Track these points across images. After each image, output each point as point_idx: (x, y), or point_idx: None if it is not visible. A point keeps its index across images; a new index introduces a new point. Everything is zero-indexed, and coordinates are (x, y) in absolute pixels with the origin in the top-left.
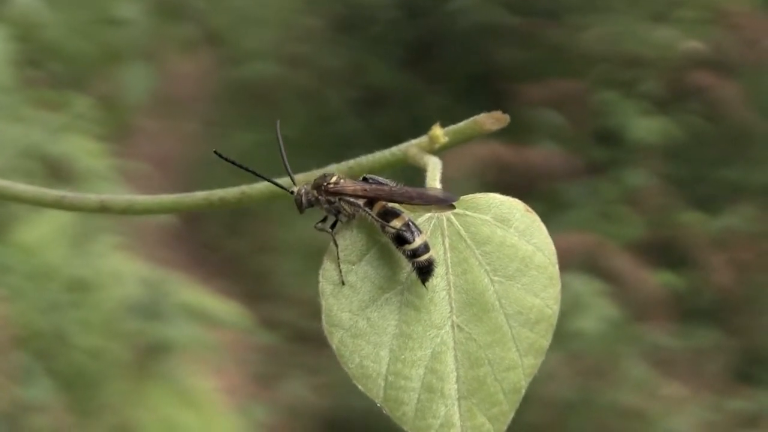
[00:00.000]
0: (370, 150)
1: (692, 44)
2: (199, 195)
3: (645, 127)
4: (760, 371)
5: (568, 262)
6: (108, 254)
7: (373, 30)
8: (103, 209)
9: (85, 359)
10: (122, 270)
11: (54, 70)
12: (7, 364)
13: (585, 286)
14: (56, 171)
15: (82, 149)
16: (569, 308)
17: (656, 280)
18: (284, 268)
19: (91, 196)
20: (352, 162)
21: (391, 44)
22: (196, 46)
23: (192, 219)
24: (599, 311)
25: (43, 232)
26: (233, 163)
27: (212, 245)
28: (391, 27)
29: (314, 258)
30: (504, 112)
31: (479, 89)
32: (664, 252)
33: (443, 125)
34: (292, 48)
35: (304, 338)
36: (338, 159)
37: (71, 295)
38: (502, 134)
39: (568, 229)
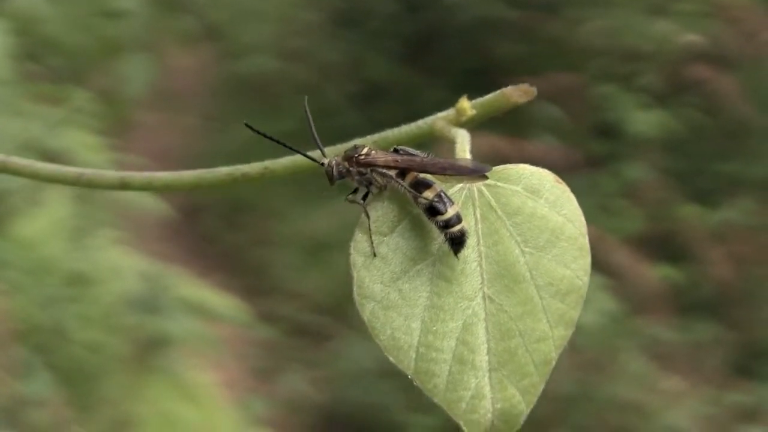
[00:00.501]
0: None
1: (691, 38)
2: (222, 170)
3: (644, 120)
4: (759, 365)
5: None
6: (107, 248)
7: (372, 24)
8: (123, 186)
9: (85, 353)
10: (121, 264)
11: (53, 64)
12: (7, 358)
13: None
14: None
15: (82, 143)
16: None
17: (655, 274)
18: (283, 261)
19: (111, 173)
20: (377, 136)
21: (390, 38)
22: (195, 40)
23: (190, 212)
24: (598, 305)
25: (41, 226)
26: (265, 135)
27: (211, 239)
28: (390, 21)
29: (313, 252)
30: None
31: (478, 83)
32: (663, 246)
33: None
34: (291, 42)
35: (303, 332)
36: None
37: (70, 289)
38: (501, 127)
39: None
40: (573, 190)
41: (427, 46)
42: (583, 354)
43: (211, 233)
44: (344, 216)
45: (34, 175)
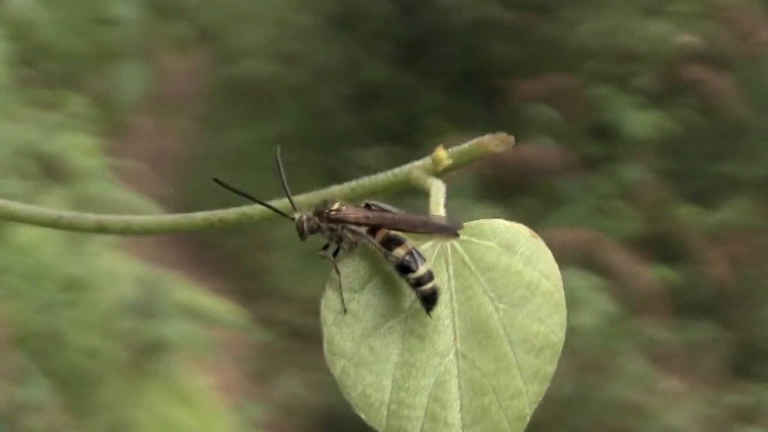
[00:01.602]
0: (364, 146)
1: (686, 38)
2: (199, 216)
3: (639, 121)
4: (756, 365)
5: (563, 257)
6: (103, 253)
7: (367, 26)
8: (101, 229)
9: (82, 359)
10: (117, 269)
11: (48, 69)
12: (4, 364)
13: (581, 281)
14: (51, 170)
15: (77, 148)
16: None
17: (652, 275)
18: (280, 265)
19: (89, 216)
20: (354, 183)
21: (386, 41)
22: (190, 44)
23: None
24: (596, 306)
25: (37, 232)
26: (233, 190)
27: (208, 243)
28: (385, 23)
29: (310, 256)
30: (498, 107)
31: (473, 85)
32: (659, 246)
33: (437, 121)
34: (286, 45)
35: (299, 336)
36: (333, 156)
37: (67, 294)
38: (496, 130)
39: (564, 224)
40: (569, 192)
41: (422, 48)
42: (581, 356)
43: (208, 237)
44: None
45: (12, 217)
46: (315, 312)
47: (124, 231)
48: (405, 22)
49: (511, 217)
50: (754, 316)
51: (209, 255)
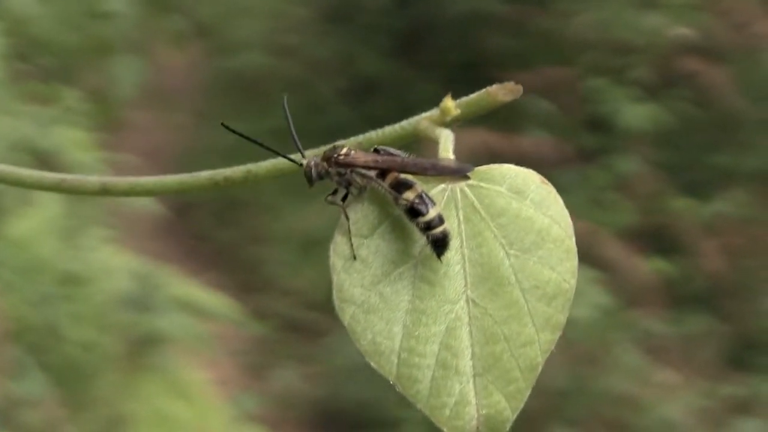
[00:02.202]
0: None
1: (681, 30)
2: (204, 175)
3: (635, 113)
4: (752, 356)
5: None
6: (98, 247)
7: (362, 19)
8: (105, 191)
9: (78, 352)
10: (113, 263)
11: (43, 64)
12: (0, 358)
13: (577, 273)
14: (46, 164)
15: (72, 142)
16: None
17: (648, 267)
18: (276, 258)
19: (92, 178)
20: (361, 137)
21: (381, 33)
22: (185, 38)
23: (182, 210)
24: (591, 299)
25: (33, 226)
26: (242, 135)
27: (203, 236)
28: (381, 16)
29: (305, 248)
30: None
31: (469, 77)
32: (655, 239)
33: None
34: (281, 38)
35: (295, 328)
36: None
37: (63, 288)
38: (492, 122)
39: None
40: (565, 184)
41: (418, 40)
42: (577, 348)
43: (204, 231)
44: (336, 212)
45: (18, 182)
46: (311, 305)
47: (128, 193)
48: (400, 15)
49: None
50: (749, 308)
51: (204, 248)
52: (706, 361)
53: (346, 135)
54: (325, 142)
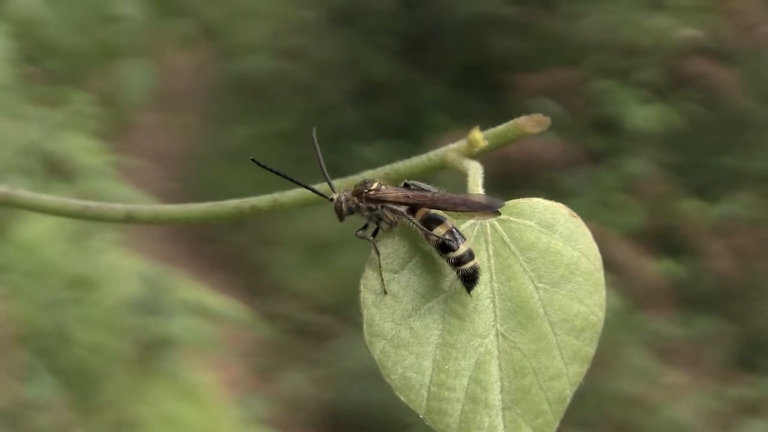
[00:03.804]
0: (367, 141)
1: (689, 31)
2: (231, 204)
3: (643, 115)
4: (761, 358)
5: None
6: (107, 250)
7: (368, 21)
8: (129, 219)
9: (87, 356)
10: (122, 266)
11: (52, 67)
12: (9, 361)
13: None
14: (55, 168)
15: (81, 146)
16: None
17: (656, 268)
18: (284, 261)
19: (117, 206)
20: (388, 168)
21: (387, 35)
22: (192, 41)
23: None
24: None
25: (42, 230)
26: (272, 170)
27: (211, 239)
28: (387, 18)
29: (314, 251)
30: (500, 101)
31: (476, 79)
32: (664, 240)
33: (440, 116)
34: (288, 41)
35: (304, 331)
36: (335, 150)
37: (72, 292)
38: (499, 124)
39: None
40: (573, 186)
41: (424, 42)
42: None
43: (212, 233)
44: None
45: (41, 209)
46: (319, 308)
47: (153, 220)
48: (407, 17)
49: None
50: (758, 309)
51: (212, 251)
52: (714, 363)
53: (352, 137)
54: (332, 144)
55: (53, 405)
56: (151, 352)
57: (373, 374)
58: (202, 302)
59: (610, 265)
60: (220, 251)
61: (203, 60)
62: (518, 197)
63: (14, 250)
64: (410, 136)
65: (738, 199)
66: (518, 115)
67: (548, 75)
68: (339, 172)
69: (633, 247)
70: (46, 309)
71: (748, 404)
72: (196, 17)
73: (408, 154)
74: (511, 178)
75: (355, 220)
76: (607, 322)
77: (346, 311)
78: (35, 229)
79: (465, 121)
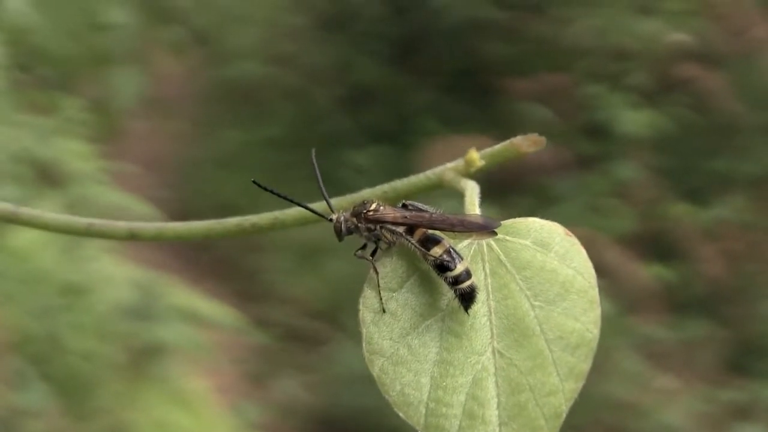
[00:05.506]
0: (358, 147)
1: (678, 36)
2: (232, 221)
3: (633, 119)
4: (752, 361)
5: None
6: (99, 257)
7: (359, 27)
8: (132, 236)
9: (79, 362)
10: (114, 273)
11: (43, 74)
12: (1, 369)
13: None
14: (46, 174)
15: (72, 152)
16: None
17: (647, 273)
18: (276, 267)
19: (120, 224)
20: (386, 186)
21: (378, 41)
22: (183, 47)
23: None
24: None
25: (33, 237)
26: (272, 192)
27: (204, 245)
28: (377, 24)
29: (306, 257)
30: (491, 106)
31: (466, 84)
32: (654, 244)
33: (431, 121)
34: (278, 47)
35: (296, 337)
36: (326, 157)
37: (64, 298)
38: (489, 129)
39: (558, 223)
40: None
41: (414, 48)
42: None
43: (204, 240)
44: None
45: (45, 226)
46: (311, 313)
47: (156, 237)
48: (397, 22)
49: (504, 216)
50: (749, 313)
51: (204, 257)
52: (706, 367)
53: (342, 143)
54: (322, 150)
55: (46, 412)
56: (144, 359)
57: (366, 380)
58: (195, 308)
59: (600, 270)
60: (212, 257)
61: (194, 66)
62: (509, 202)
63: (6, 257)
64: (401, 141)
65: (728, 203)
66: (508, 120)
67: (538, 80)
68: (330, 178)
69: (624, 251)
70: (38, 316)
71: (739, 408)
72: (187, 24)
73: (399, 160)
74: (501, 184)
75: (354, 239)
76: None
77: (338, 317)
78: (27, 237)
79: (456, 126)
